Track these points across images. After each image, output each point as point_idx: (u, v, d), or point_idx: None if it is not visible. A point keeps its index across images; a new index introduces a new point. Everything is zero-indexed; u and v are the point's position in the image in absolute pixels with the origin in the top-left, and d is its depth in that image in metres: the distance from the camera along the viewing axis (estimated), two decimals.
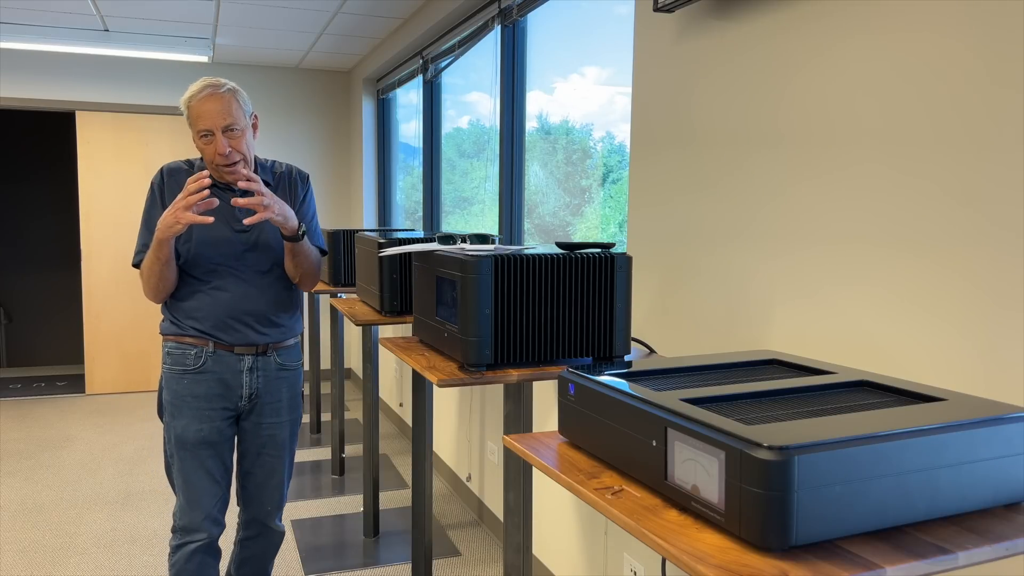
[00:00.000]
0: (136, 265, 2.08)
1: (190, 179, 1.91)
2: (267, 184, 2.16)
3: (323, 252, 2.26)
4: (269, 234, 2.12)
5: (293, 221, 2.04)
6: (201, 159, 2.14)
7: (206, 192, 1.89)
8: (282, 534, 2.31)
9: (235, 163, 2.03)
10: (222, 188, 2.10)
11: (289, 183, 2.21)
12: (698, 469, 0.96)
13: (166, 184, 2.08)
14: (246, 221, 1.95)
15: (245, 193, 2.10)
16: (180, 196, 1.90)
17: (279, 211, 1.99)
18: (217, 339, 2.07)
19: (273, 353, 2.15)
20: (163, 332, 2.12)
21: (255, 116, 2.12)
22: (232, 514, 3.48)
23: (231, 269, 2.07)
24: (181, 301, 2.08)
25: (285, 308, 2.17)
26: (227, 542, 3.21)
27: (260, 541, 2.29)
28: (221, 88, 2.01)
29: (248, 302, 2.08)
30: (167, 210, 1.93)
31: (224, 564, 2.95)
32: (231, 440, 2.15)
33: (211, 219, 1.90)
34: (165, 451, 2.14)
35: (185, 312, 2.07)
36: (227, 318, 2.06)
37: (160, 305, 2.13)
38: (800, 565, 0.84)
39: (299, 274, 2.15)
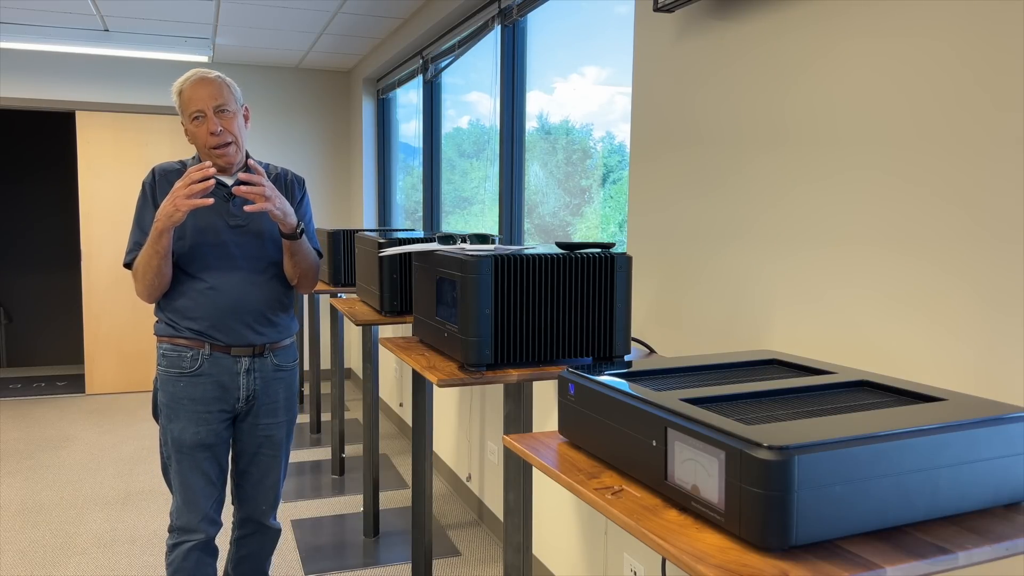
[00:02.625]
0: (127, 265, 2.06)
1: (191, 168, 1.90)
2: None
3: (319, 255, 2.26)
4: (266, 231, 2.12)
5: (292, 218, 2.04)
6: (193, 158, 2.14)
7: (211, 183, 1.89)
8: (278, 531, 2.31)
9: (227, 144, 2.05)
10: (218, 184, 2.10)
11: (285, 185, 2.21)
12: (698, 469, 0.96)
13: (158, 184, 2.07)
14: (246, 208, 1.94)
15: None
16: (180, 183, 1.89)
17: (279, 205, 1.99)
18: (214, 340, 2.06)
19: (270, 354, 2.15)
20: (158, 334, 2.10)
21: (246, 108, 2.15)
22: (227, 513, 3.48)
23: (227, 266, 2.06)
24: (176, 301, 2.06)
25: (282, 307, 2.17)
26: (224, 541, 3.21)
27: (256, 539, 2.29)
28: (211, 74, 2.06)
29: (245, 300, 2.07)
30: (166, 199, 1.92)
31: (222, 564, 2.95)
32: (228, 442, 2.15)
33: (211, 200, 1.89)
34: (161, 452, 2.13)
35: (181, 312, 2.05)
36: (224, 317, 2.05)
37: (154, 306, 2.12)
38: (800, 565, 0.84)
39: (298, 274, 2.14)
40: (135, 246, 2.06)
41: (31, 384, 6.27)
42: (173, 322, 2.07)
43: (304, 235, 2.12)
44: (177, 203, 1.88)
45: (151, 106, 5.79)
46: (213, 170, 1.91)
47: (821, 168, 1.59)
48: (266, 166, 2.22)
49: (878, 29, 1.46)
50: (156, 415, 2.14)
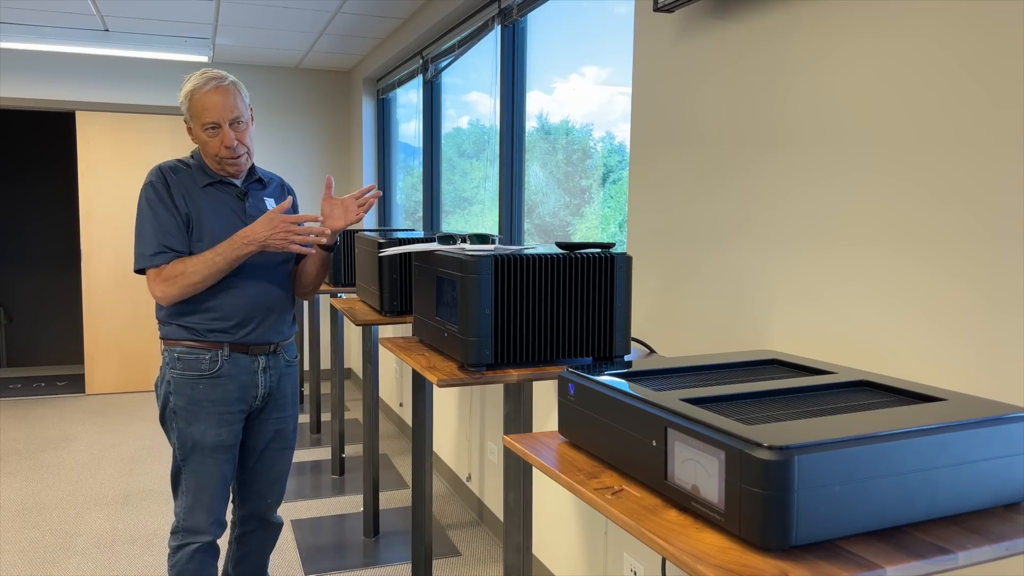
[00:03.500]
0: (154, 265, 1.99)
1: (299, 218, 2.00)
2: (260, 183, 2.19)
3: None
4: None
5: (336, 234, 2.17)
6: (192, 156, 2.13)
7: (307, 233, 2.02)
8: (280, 526, 2.31)
9: (240, 156, 2.07)
10: (229, 184, 2.11)
11: (287, 193, 2.29)
12: (698, 469, 0.96)
13: (170, 181, 2.05)
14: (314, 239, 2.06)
15: (250, 187, 2.16)
16: (287, 218, 2.00)
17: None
18: (235, 339, 2.06)
19: (281, 350, 2.18)
20: (170, 337, 2.06)
21: (251, 108, 2.15)
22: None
23: (246, 266, 2.06)
24: (196, 303, 2.04)
25: (290, 304, 2.22)
26: (222, 541, 3.20)
27: (259, 535, 2.29)
28: (225, 81, 2.04)
29: (264, 299, 2.10)
30: (271, 223, 1.98)
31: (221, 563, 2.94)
32: (240, 441, 2.16)
33: (312, 250, 2.05)
34: (175, 456, 2.09)
35: (201, 314, 2.04)
36: (245, 316, 2.07)
37: (157, 310, 2.12)
38: (800, 565, 0.84)
39: (317, 283, 2.24)
40: (162, 247, 1.99)
41: (31, 384, 6.27)
42: (190, 324, 2.04)
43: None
44: (290, 237, 1.99)
45: (151, 106, 5.79)
46: (318, 226, 2.09)
47: (821, 168, 1.59)
48: (261, 171, 2.23)
49: (878, 29, 1.46)
50: (164, 420, 2.10)
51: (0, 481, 3.98)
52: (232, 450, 2.10)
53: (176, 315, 2.06)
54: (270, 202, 2.17)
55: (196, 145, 2.12)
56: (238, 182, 2.13)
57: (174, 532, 2.10)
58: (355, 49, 5.37)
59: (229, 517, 3.42)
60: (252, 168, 2.17)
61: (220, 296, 2.04)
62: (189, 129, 2.08)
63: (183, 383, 2.05)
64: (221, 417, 2.06)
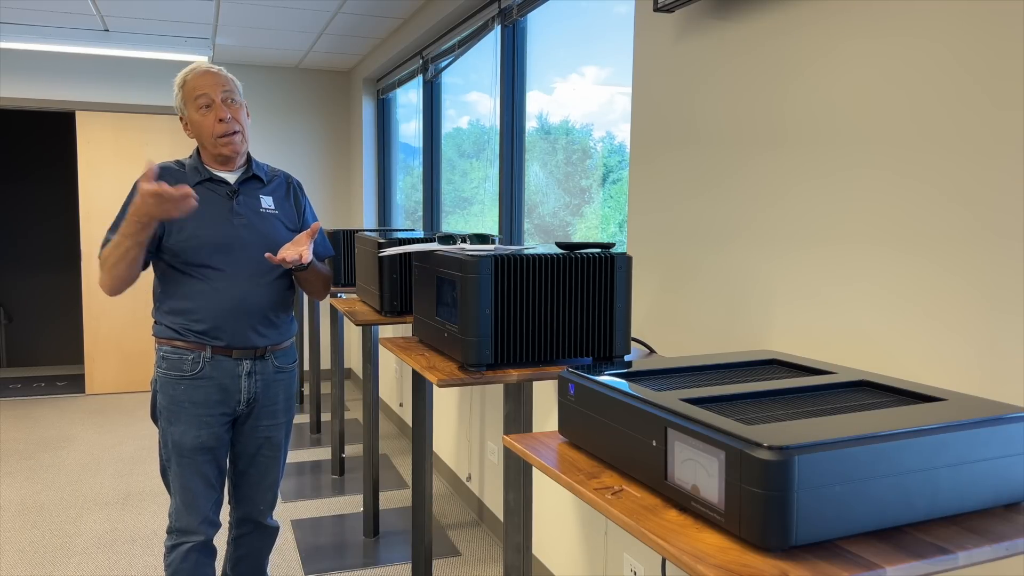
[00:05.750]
0: (99, 255, 2.04)
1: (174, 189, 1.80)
2: (260, 180, 2.17)
3: (331, 256, 2.32)
4: (270, 231, 2.11)
5: (307, 259, 2.02)
6: (190, 157, 2.12)
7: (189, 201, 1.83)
8: (276, 530, 2.31)
9: (235, 133, 2.06)
10: (221, 182, 2.10)
11: (289, 189, 2.24)
12: (698, 469, 0.96)
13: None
14: (267, 257, 1.97)
15: (243, 185, 2.12)
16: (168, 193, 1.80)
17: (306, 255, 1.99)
18: (216, 342, 2.05)
19: (271, 356, 2.14)
20: (158, 336, 2.08)
21: (245, 103, 2.15)
22: (224, 513, 3.48)
23: (231, 267, 2.05)
24: (178, 302, 2.05)
25: (284, 308, 2.17)
26: (222, 541, 3.20)
27: (254, 538, 2.28)
28: (215, 67, 2.09)
29: (249, 301, 2.06)
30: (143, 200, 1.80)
31: (220, 563, 2.94)
32: (228, 444, 2.14)
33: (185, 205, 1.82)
34: (160, 454, 2.12)
35: (183, 314, 2.04)
36: (227, 318, 2.04)
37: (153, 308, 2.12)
38: (800, 565, 0.84)
39: (308, 291, 2.21)
40: (106, 239, 2.04)
41: (31, 384, 6.27)
42: (174, 324, 2.05)
43: (311, 264, 2.13)
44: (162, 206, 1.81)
45: (151, 106, 5.79)
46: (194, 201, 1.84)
47: (821, 167, 1.59)
48: (265, 167, 2.22)
49: (878, 29, 1.46)
50: (155, 417, 2.13)
51: (0, 481, 3.98)
52: (213, 452, 2.09)
53: (163, 314, 2.08)
54: (266, 200, 2.15)
55: (195, 144, 2.12)
56: (231, 179, 2.11)
57: (168, 532, 2.11)
58: (355, 49, 5.37)
59: (225, 518, 3.42)
60: (250, 166, 2.16)
61: (200, 297, 2.03)
62: (185, 125, 2.08)
63: (167, 382, 2.06)
64: (201, 419, 2.05)
